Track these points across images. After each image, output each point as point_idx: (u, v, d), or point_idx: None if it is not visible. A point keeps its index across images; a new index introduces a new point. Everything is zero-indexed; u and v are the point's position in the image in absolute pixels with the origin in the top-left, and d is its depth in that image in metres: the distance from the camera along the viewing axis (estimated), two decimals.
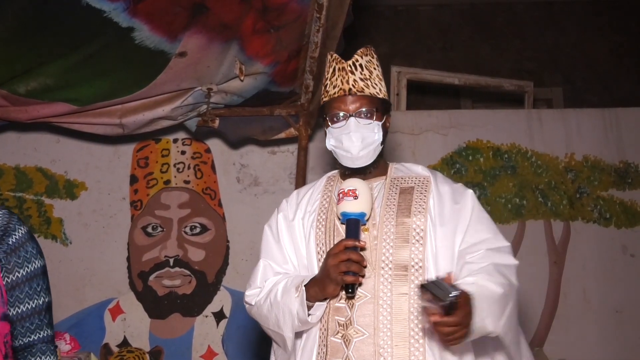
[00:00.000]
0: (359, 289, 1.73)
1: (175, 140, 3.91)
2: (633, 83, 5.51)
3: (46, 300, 1.54)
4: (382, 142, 1.86)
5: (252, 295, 1.88)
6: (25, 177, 3.84)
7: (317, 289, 1.70)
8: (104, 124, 3.31)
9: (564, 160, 3.90)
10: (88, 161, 3.87)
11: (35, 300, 1.51)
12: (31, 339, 1.51)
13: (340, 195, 1.75)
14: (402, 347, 1.69)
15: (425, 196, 1.83)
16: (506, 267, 1.71)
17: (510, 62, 5.57)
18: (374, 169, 1.88)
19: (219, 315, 3.78)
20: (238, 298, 3.77)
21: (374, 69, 1.87)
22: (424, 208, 1.80)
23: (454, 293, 1.48)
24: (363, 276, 1.71)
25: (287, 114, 3.46)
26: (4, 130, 3.79)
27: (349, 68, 1.84)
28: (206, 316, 3.78)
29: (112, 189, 3.86)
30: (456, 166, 3.85)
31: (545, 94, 5.48)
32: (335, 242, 1.73)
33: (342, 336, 1.73)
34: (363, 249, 1.72)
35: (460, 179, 3.70)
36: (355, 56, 1.86)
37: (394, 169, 1.93)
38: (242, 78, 3.04)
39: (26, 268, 1.50)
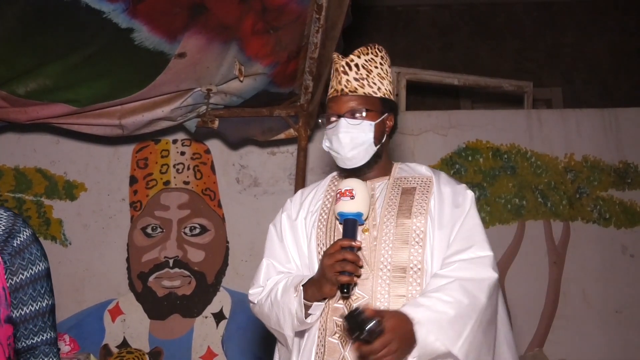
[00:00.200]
0: (356, 290, 1.73)
1: (174, 141, 3.90)
2: (632, 83, 5.51)
3: (50, 302, 1.54)
4: (380, 142, 1.84)
5: (255, 294, 1.89)
6: (25, 178, 3.84)
7: (315, 289, 1.70)
8: (104, 124, 3.31)
9: (564, 160, 3.90)
10: (87, 162, 3.87)
11: (39, 303, 1.51)
12: (34, 341, 1.50)
13: (338, 195, 1.75)
14: None
15: (426, 197, 1.81)
16: (475, 282, 1.66)
17: (510, 62, 5.57)
18: (372, 169, 1.87)
19: (218, 316, 3.78)
20: (238, 299, 3.77)
21: (375, 67, 1.85)
22: (424, 209, 1.79)
23: (369, 326, 1.49)
24: (359, 276, 1.71)
25: (286, 115, 3.46)
26: (3, 131, 3.79)
27: (342, 68, 1.84)
28: (206, 317, 3.78)
29: (112, 189, 3.86)
30: (456, 166, 3.86)
31: (545, 94, 5.48)
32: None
33: (339, 337, 1.73)
34: (359, 248, 1.71)
35: (459, 179, 3.67)
36: (352, 56, 1.86)
37: (398, 168, 1.92)
38: (241, 79, 3.04)
39: (30, 270, 1.50)
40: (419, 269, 1.74)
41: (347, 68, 1.84)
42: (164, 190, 3.86)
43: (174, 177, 3.87)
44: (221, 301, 3.79)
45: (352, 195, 1.72)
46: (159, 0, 2.47)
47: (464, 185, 1.87)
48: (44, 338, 1.51)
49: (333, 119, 1.84)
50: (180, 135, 3.88)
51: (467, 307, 1.62)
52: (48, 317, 1.53)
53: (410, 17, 5.72)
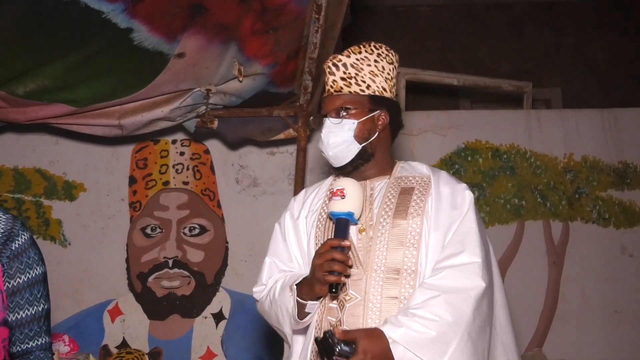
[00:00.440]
0: (350, 290, 1.73)
1: (174, 141, 3.90)
2: (631, 83, 5.51)
3: (45, 307, 1.53)
4: (366, 140, 1.83)
5: (258, 292, 1.91)
6: (24, 178, 3.84)
7: (308, 288, 1.71)
8: (103, 125, 3.31)
9: (563, 160, 3.90)
10: (87, 162, 3.87)
11: (35, 307, 1.50)
12: (29, 346, 1.50)
13: (330, 195, 1.75)
14: None
15: (424, 198, 1.80)
16: (461, 294, 1.64)
17: (509, 62, 5.58)
18: (367, 168, 1.86)
19: (218, 317, 3.78)
20: (237, 299, 3.77)
21: (368, 65, 1.84)
22: (421, 210, 1.78)
23: (339, 348, 1.50)
24: (348, 276, 1.71)
25: (285, 115, 3.46)
26: (2, 132, 3.79)
27: (329, 69, 1.85)
28: (205, 317, 3.78)
29: (111, 190, 3.86)
30: (455, 167, 3.86)
31: (544, 94, 5.49)
32: None
33: None
34: (349, 248, 1.71)
35: (459, 179, 3.70)
36: (340, 56, 1.85)
37: (400, 167, 1.91)
38: (240, 79, 3.04)
39: (28, 274, 1.49)
40: (413, 270, 1.72)
41: (334, 68, 1.84)
42: (163, 191, 3.86)
43: (174, 178, 3.87)
44: (220, 301, 3.79)
45: (343, 195, 1.71)
46: (158, 0, 2.47)
47: (464, 185, 1.85)
48: (39, 343, 1.51)
49: (323, 119, 1.86)
50: (180, 136, 3.88)
51: (451, 325, 1.60)
52: (44, 321, 1.52)
53: (409, 17, 5.73)
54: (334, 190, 1.73)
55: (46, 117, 3.17)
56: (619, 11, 5.64)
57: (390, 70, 1.87)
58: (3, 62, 2.69)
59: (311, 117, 3.42)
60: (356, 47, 1.86)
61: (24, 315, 1.48)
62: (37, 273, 1.51)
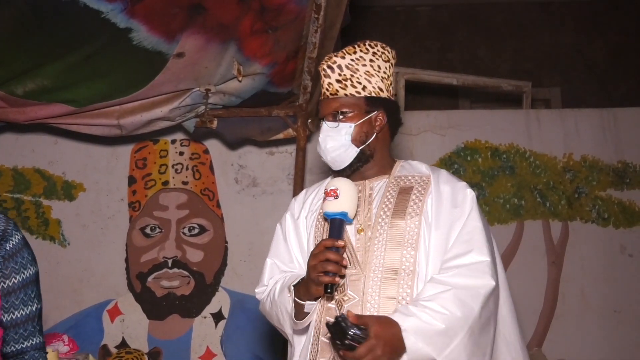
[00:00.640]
0: (348, 291, 1.73)
1: (173, 141, 3.90)
2: (631, 83, 5.52)
3: (39, 306, 1.53)
4: (364, 142, 1.82)
5: (260, 293, 1.92)
6: (23, 178, 3.84)
7: (304, 289, 1.70)
8: (102, 125, 3.31)
9: (562, 160, 3.90)
10: (86, 162, 3.86)
11: (29, 307, 1.50)
12: (24, 346, 1.50)
13: (324, 195, 1.74)
14: None
15: (422, 197, 1.79)
16: (471, 291, 1.64)
17: (509, 62, 5.58)
18: (366, 169, 1.86)
19: (217, 316, 3.78)
20: (236, 299, 3.77)
21: (363, 65, 1.82)
22: (419, 210, 1.77)
23: (352, 332, 1.50)
24: (342, 276, 1.70)
25: (285, 115, 3.46)
26: (2, 132, 3.79)
27: (324, 72, 1.84)
28: (205, 317, 3.78)
29: (110, 190, 3.86)
30: (454, 166, 3.86)
31: (544, 94, 5.49)
32: None
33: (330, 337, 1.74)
34: (344, 248, 1.70)
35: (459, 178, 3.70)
36: (335, 57, 1.83)
37: (400, 167, 1.90)
38: (240, 79, 3.04)
39: (22, 274, 1.49)
40: (411, 271, 1.72)
41: (329, 71, 1.82)
42: (162, 191, 3.86)
43: (173, 177, 3.87)
44: (220, 301, 3.79)
45: (337, 195, 1.70)
46: (157, 0, 2.47)
47: (464, 184, 1.83)
48: (33, 343, 1.51)
49: (321, 123, 1.86)
50: (179, 136, 3.88)
51: (459, 319, 1.60)
52: (37, 321, 1.53)
53: (409, 17, 5.73)
54: (328, 190, 1.72)
55: (45, 117, 3.17)
56: (619, 11, 5.65)
57: (386, 68, 1.86)
58: (2, 62, 2.69)
59: (309, 120, 3.42)
60: (351, 48, 1.85)
61: (18, 315, 1.48)
62: (30, 273, 1.52)
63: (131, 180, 3.87)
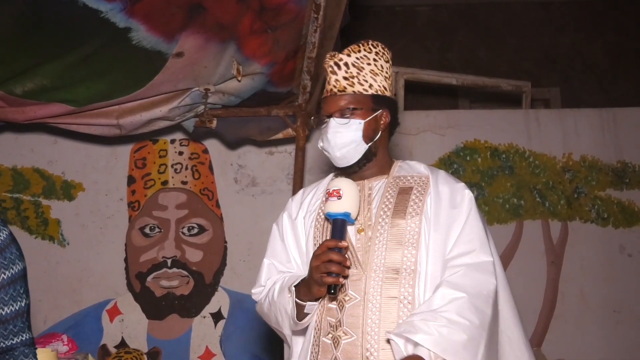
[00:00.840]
0: (349, 291, 1.73)
1: (172, 141, 3.90)
2: (630, 83, 5.51)
3: (27, 302, 1.53)
4: (371, 139, 1.83)
5: (257, 294, 1.91)
6: (23, 178, 3.84)
7: (306, 290, 1.70)
8: (101, 124, 3.30)
9: (562, 160, 3.90)
10: (85, 162, 3.86)
11: (19, 303, 1.50)
12: (14, 342, 1.49)
13: (326, 195, 1.74)
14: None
15: (422, 197, 1.80)
16: (482, 296, 1.65)
17: (508, 62, 5.57)
18: (368, 167, 1.86)
19: (216, 316, 3.78)
20: (236, 299, 3.77)
21: (368, 64, 1.83)
22: (420, 210, 1.77)
23: None
24: (346, 277, 1.70)
25: (284, 115, 3.46)
26: (1, 131, 3.78)
27: (331, 68, 1.84)
28: (204, 317, 3.78)
29: (110, 189, 3.86)
30: (454, 166, 3.86)
31: (543, 94, 5.48)
32: None
33: (331, 337, 1.73)
34: (347, 249, 1.70)
35: (457, 179, 3.70)
36: (341, 55, 1.84)
37: (398, 167, 1.90)
38: (239, 78, 3.04)
39: (11, 270, 1.48)
40: (412, 270, 1.72)
41: (335, 68, 1.83)
42: (162, 190, 3.86)
43: (172, 177, 3.87)
44: (219, 301, 3.79)
45: (340, 195, 1.70)
46: None
47: (462, 185, 1.84)
48: (23, 339, 1.50)
49: (325, 119, 1.85)
50: (178, 135, 3.88)
51: (478, 327, 1.61)
52: (26, 317, 1.52)
53: (408, 16, 5.72)
54: (330, 190, 1.72)
55: (45, 117, 3.17)
56: (618, 11, 5.64)
57: (387, 68, 1.87)
58: (1, 61, 2.69)
59: (312, 117, 3.42)
60: (355, 46, 1.86)
61: (8, 312, 1.48)
62: (19, 269, 1.51)
63: (130, 180, 3.87)
